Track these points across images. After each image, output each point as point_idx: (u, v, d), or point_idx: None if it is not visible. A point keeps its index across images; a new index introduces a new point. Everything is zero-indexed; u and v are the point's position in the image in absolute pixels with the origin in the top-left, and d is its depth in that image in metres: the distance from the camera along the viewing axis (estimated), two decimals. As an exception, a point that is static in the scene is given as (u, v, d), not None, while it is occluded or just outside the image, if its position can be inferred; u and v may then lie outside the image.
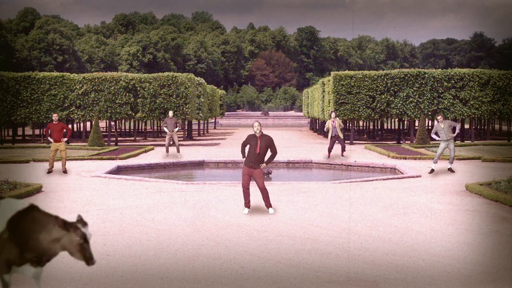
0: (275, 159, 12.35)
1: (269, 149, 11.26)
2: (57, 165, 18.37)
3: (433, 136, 17.66)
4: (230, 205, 12.20)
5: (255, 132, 11.16)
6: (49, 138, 17.92)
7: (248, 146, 11.33)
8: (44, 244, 5.18)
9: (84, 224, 5.23)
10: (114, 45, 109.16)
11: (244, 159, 11.38)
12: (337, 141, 21.93)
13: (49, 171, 17.64)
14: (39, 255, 5.25)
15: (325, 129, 22.61)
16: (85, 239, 5.17)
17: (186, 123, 36.42)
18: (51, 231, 5.19)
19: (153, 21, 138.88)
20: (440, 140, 17.37)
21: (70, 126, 41.34)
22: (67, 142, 31.12)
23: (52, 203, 12.51)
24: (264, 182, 11.41)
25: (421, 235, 9.48)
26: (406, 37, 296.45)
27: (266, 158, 11.37)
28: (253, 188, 11.81)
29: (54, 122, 17.97)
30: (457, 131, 17.38)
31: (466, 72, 30.99)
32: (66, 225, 5.16)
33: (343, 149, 21.88)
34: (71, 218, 10.99)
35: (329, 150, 21.87)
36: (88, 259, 5.15)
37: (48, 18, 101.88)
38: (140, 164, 20.69)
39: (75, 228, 5.16)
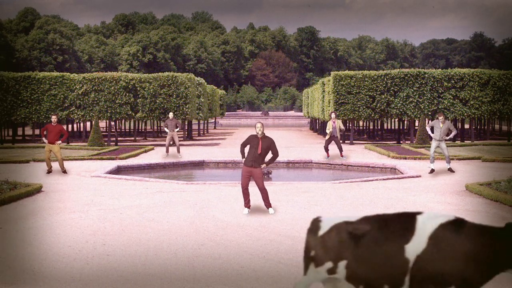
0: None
1: (270, 151, 11.26)
2: (57, 165, 18.38)
3: (428, 129, 17.83)
4: (230, 205, 12.20)
5: (257, 133, 11.14)
6: (43, 138, 17.99)
7: (248, 146, 11.32)
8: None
9: None
10: (114, 45, 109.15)
11: (244, 159, 11.38)
12: (333, 141, 21.81)
13: (49, 171, 17.65)
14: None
15: (326, 130, 22.32)
16: None
17: (186, 123, 36.42)
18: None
19: (153, 21, 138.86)
20: (432, 138, 17.48)
21: (70, 126, 41.38)
22: (67, 142, 31.14)
23: (52, 203, 12.51)
24: (264, 182, 11.42)
25: (421, 235, 9.46)
26: (406, 37, 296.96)
27: (266, 159, 11.39)
28: (253, 188, 11.81)
29: (52, 124, 17.96)
30: (450, 136, 17.46)
31: (466, 72, 30.99)
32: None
33: (340, 150, 21.79)
34: (71, 218, 11.03)
35: (326, 150, 21.81)
36: None
37: (48, 18, 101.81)
38: (140, 164, 20.69)
39: None
